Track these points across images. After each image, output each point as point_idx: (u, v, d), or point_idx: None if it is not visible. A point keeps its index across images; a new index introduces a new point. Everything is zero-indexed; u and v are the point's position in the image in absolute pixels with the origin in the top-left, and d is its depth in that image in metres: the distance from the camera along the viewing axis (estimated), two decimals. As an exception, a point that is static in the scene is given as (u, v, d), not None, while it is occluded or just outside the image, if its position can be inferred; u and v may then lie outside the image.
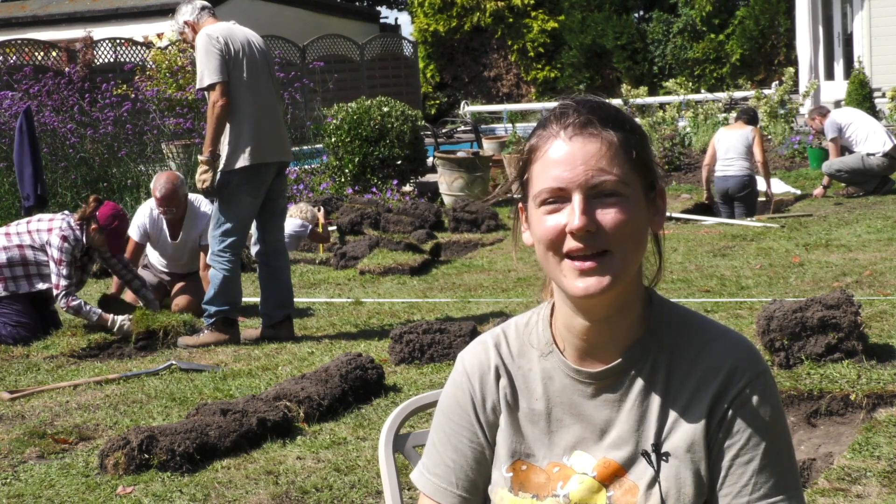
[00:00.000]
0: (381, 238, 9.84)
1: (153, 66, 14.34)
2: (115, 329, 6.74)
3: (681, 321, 1.70)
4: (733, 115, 13.05)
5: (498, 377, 1.75)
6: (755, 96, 16.62)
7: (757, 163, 11.05)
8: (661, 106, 17.95)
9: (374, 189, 13.10)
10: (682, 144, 15.60)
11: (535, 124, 1.72)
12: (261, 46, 6.49)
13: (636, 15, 26.06)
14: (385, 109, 13.48)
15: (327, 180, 13.68)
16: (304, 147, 14.80)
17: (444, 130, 18.84)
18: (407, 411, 2.07)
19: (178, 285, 7.62)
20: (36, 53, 17.17)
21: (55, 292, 6.65)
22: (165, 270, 7.73)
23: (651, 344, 1.68)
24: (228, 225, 6.39)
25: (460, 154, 14.25)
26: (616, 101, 11.69)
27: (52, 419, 5.03)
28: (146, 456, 4.20)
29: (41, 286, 6.76)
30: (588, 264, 1.59)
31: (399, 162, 13.41)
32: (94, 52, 18.03)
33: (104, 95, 13.00)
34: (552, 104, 1.70)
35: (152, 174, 10.01)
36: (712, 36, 23.61)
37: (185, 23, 6.55)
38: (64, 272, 6.63)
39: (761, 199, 11.27)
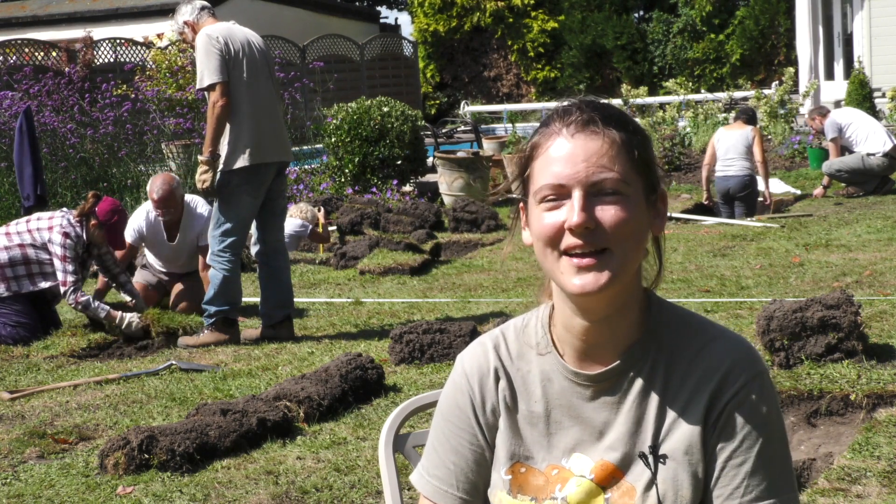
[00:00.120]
0: (381, 238, 9.84)
1: (153, 66, 14.35)
2: (122, 326, 6.73)
3: (680, 322, 1.70)
4: (733, 115, 13.05)
5: (497, 379, 1.75)
6: (755, 96, 16.63)
7: (756, 162, 11.05)
8: (661, 106, 17.96)
9: (374, 189, 13.10)
10: (682, 144, 15.61)
11: (535, 124, 1.72)
12: (261, 46, 6.49)
13: (636, 15, 26.06)
14: (385, 109, 13.49)
15: (327, 180, 13.69)
16: (304, 147, 14.80)
17: (444, 130, 18.84)
18: (407, 411, 2.07)
19: (177, 288, 7.61)
20: (36, 53, 17.17)
21: (63, 289, 6.63)
22: (163, 270, 7.73)
23: (650, 345, 1.67)
24: (228, 225, 6.39)
25: (460, 154, 14.26)
26: (616, 101, 11.69)
27: (52, 419, 5.03)
28: (146, 456, 4.19)
29: (44, 284, 6.76)
30: (586, 261, 1.58)
31: (399, 162, 13.41)
32: (94, 52, 18.03)
33: (104, 95, 13.00)
34: (552, 104, 1.71)
35: (152, 174, 10.00)
36: (712, 36, 23.61)
37: (185, 23, 6.55)
38: (70, 268, 6.62)
39: (760, 199, 11.27)
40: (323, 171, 14.00)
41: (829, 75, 19.70)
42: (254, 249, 6.66)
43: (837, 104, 16.18)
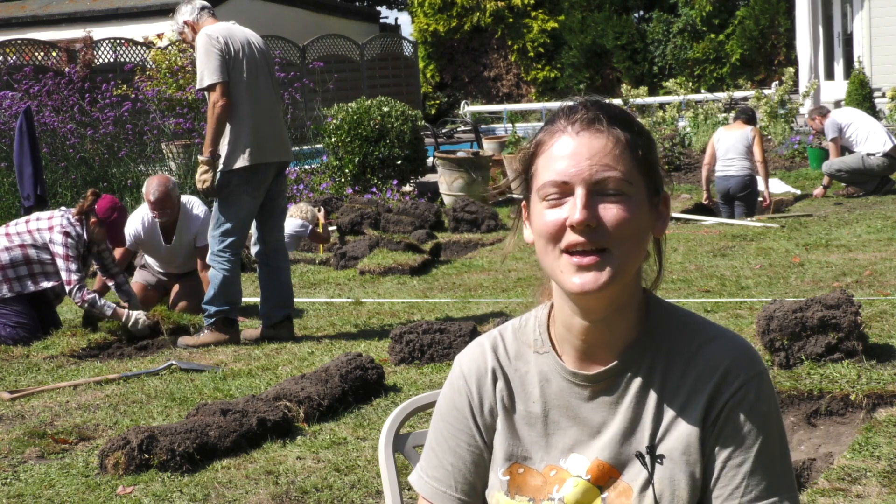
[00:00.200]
0: (381, 238, 9.84)
1: (153, 66, 14.35)
2: (129, 323, 6.73)
3: (678, 322, 1.70)
4: (733, 115, 13.06)
5: (495, 380, 1.74)
6: (755, 96, 16.63)
7: (756, 162, 11.05)
8: (661, 106, 17.96)
9: (374, 189, 13.10)
10: (682, 144, 15.61)
11: (535, 124, 1.73)
12: (260, 46, 6.49)
13: (636, 15, 26.06)
14: (385, 109, 13.49)
15: (327, 180, 13.68)
16: (304, 147, 14.80)
17: (444, 130, 18.84)
18: (407, 411, 2.07)
19: (176, 288, 7.61)
20: (36, 53, 17.17)
21: (68, 288, 6.62)
22: (161, 271, 7.72)
23: (648, 345, 1.67)
24: (228, 225, 6.39)
25: (460, 154, 14.26)
26: (616, 102, 11.67)
27: (52, 419, 5.03)
28: (146, 456, 4.19)
29: (46, 284, 6.76)
30: (587, 260, 1.58)
31: (399, 162, 13.41)
32: (94, 52, 18.03)
33: (104, 95, 13.00)
34: (552, 104, 1.71)
35: (152, 174, 10.01)
36: (712, 36, 23.61)
37: (185, 23, 6.55)
38: (73, 266, 6.62)
39: (759, 199, 11.27)
40: (323, 171, 14.00)
41: (829, 75, 19.70)
42: (254, 249, 6.66)
43: (837, 104, 16.18)
